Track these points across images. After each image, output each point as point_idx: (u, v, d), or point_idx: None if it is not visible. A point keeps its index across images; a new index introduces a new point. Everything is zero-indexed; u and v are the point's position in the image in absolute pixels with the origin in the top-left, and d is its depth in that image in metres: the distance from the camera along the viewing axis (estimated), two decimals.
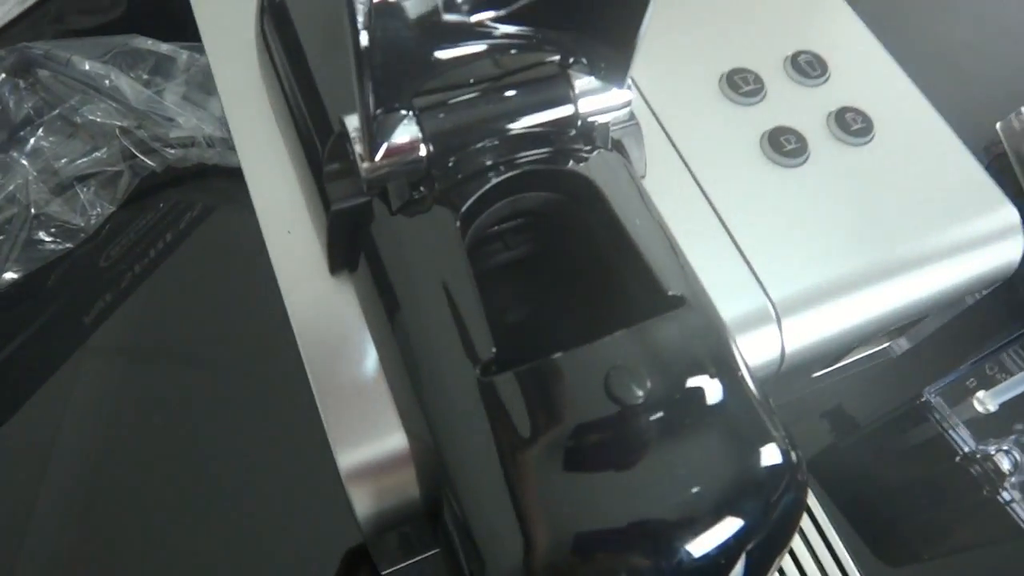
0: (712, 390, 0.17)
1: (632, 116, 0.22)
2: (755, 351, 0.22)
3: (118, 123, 0.45)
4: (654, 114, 0.25)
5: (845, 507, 0.47)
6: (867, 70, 0.27)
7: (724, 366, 0.18)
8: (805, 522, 0.39)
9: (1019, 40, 0.70)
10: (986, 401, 0.52)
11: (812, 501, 0.40)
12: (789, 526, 0.19)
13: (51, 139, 0.44)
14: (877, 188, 0.25)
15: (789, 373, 0.26)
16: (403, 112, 0.18)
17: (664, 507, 0.17)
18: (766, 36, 0.27)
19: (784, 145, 0.25)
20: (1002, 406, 0.52)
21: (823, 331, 0.23)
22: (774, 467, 0.18)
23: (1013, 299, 0.43)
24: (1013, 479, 0.50)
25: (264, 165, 0.23)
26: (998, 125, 0.64)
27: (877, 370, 0.52)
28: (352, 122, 0.18)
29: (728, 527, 0.17)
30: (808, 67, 0.27)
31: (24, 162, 0.42)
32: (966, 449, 0.52)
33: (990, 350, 0.51)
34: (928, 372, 0.52)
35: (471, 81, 0.19)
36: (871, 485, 0.51)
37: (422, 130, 0.18)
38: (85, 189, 0.44)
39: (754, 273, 0.23)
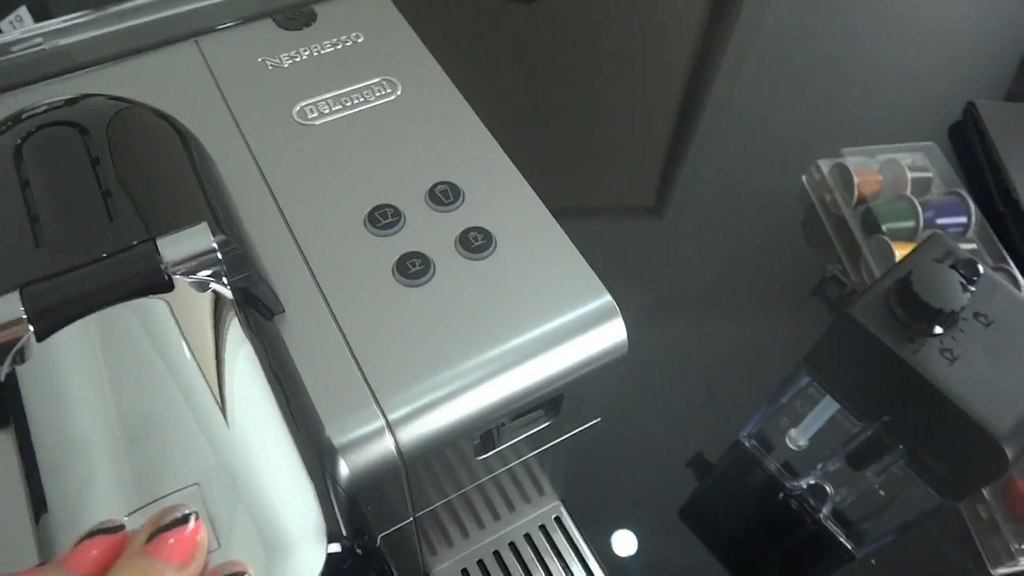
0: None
1: (248, 268, 0.27)
2: (372, 455, 0.26)
3: None
4: (302, 252, 0.30)
5: (693, 549, 0.50)
6: (498, 192, 0.32)
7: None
8: None
9: (817, 100, 0.77)
10: (797, 438, 0.56)
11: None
12: None
13: None
14: (495, 295, 0.29)
15: (443, 460, 0.30)
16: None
17: None
18: (411, 171, 0.32)
19: (409, 268, 0.29)
20: (812, 440, 0.55)
21: (438, 428, 0.27)
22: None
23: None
24: (825, 509, 0.53)
25: None
26: (803, 178, 0.70)
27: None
28: None
29: None
30: (443, 196, 0.32)
31: None
32: (788, 486, 0.55)
33: (791, 390, 0.54)
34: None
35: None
36: (714, 528, 0.54)
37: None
38: None
39: (371, 389, 0.27)
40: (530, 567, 0.43)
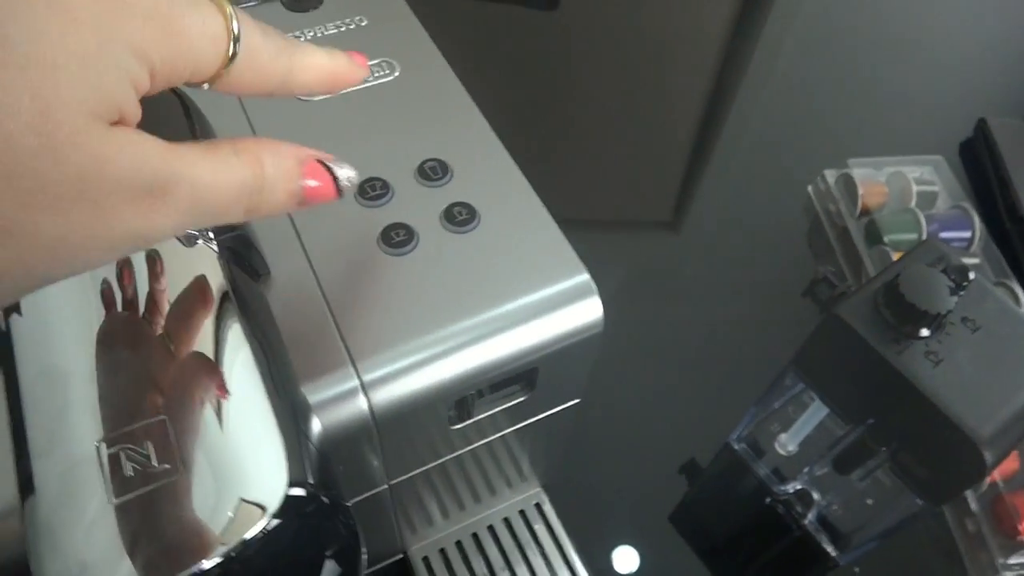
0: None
1: (237, 228, 0.28)
2: (345, 414, 0.27)
3: None
4: (291, 218, 0.31)
5: (680, 554, 0.50)
6: (485, 170, 0.33)
7: None
8: None
9: (829, 111, 0.77)
10: (787, 443, 0.56)
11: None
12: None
13: None
14: (475, 268, 0.30)
15: (417, 426, 0.31)
16: None
17: None
18: (402, 147, 0.33)
19: (393, 238, 0.30)
20: (802, 446, 0.55)
21: (411, 392, 0.28)
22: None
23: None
24: (810, 515, 0.53)
25: None
26: (809, 188, 0.70)
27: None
28: None
29: None
30: (431, 172, 0.32)
31: None
32: (775, 490, 0.55)
33: (784, 392, 0.54)
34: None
35: None
36: (698, 531, 0.54)
37: None
38: None
39: (348, 350, 0.28)
40: (508, 551, 0.43)
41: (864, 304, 0.42)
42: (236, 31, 0.20)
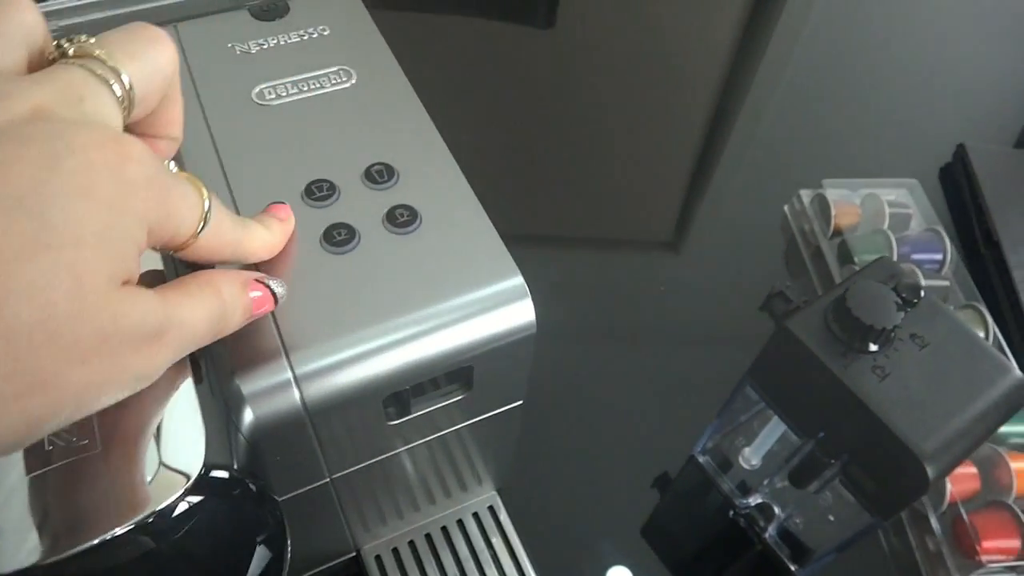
0: None
1: None
2: (277, 405, 0.28)
3: None
4: (236, 210, 0.32)
5: (638, 568, 0.51)
6: (430, 175, 0.34)
7: None
8: None
9: (814, 134, 0.78)
10: (750, 458, 0.56)
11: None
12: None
13: None
14: (412, 268, 0.31)
15: (353, 420, 0.31)
16: None
17: None
18: (352, 151, 0.35)
19: (335, 237, 0.31)
20: (765, 458, 0.56)
21: (343, 385, 0.29)
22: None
23: None
24: (771, 529, 0.53)
25: None
26: (785, 207, 0.71)
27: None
28: None
29: None
30: (378, 175, 0.34)
31: None
32: (737, 503, 0.55)
33: (748, 406, 0.55)
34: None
35: None
36: (663, 547, 0.54)
37: None
38: None
39: (283, 343, 0.29)
40: (460, 552, 0.44)
41: (814, 318, 0.43)
42: (207, 206, 0.25)
